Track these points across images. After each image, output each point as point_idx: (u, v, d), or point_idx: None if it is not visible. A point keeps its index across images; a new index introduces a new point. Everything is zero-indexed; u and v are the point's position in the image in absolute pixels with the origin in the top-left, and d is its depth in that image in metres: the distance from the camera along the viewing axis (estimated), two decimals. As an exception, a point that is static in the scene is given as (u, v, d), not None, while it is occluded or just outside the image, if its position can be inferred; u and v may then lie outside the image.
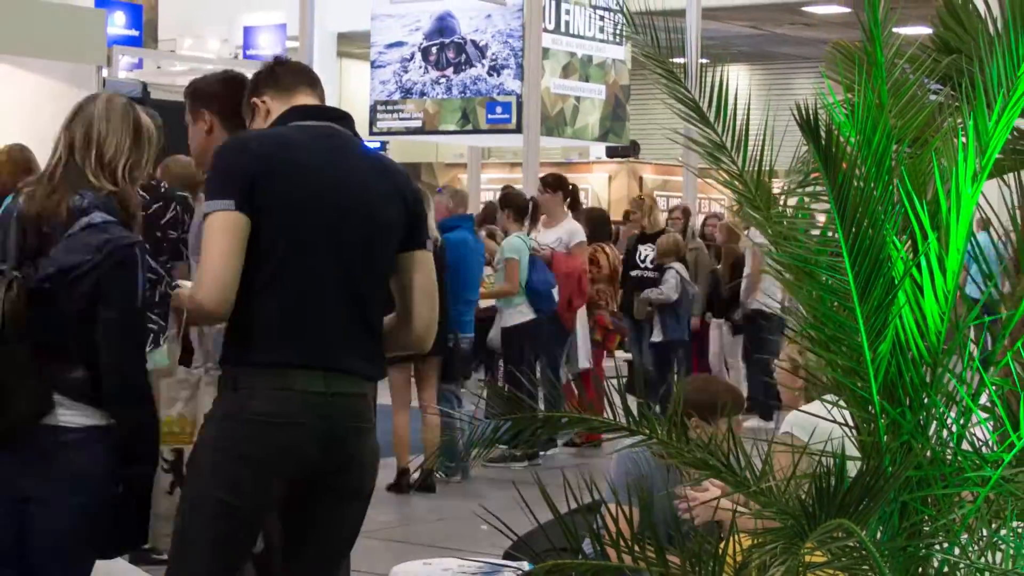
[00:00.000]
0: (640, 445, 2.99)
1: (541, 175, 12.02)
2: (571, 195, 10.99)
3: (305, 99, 3.93)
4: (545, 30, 16.31)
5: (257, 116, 3.96)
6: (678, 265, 11.51)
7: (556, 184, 10.81)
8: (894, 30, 2.97)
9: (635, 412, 2.96)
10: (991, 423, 2.78)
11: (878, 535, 2.69)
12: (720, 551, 2.70)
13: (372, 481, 3.90)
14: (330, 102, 4.11)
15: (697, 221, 16.13)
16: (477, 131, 18.44)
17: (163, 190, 7.32)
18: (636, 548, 2.79)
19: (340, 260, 3.77)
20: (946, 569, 2.72)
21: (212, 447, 3.73)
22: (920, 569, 2.73)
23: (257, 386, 3.67)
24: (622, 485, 4.76)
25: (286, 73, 4.00)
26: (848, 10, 20.09)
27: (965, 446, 2.74)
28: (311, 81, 4.01)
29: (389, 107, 18.76)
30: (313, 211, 3.75)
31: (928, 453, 2.72)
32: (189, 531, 3.74)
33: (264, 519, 3.80)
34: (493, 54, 17.83)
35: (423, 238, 3.96)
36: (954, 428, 2.74)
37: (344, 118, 3.95)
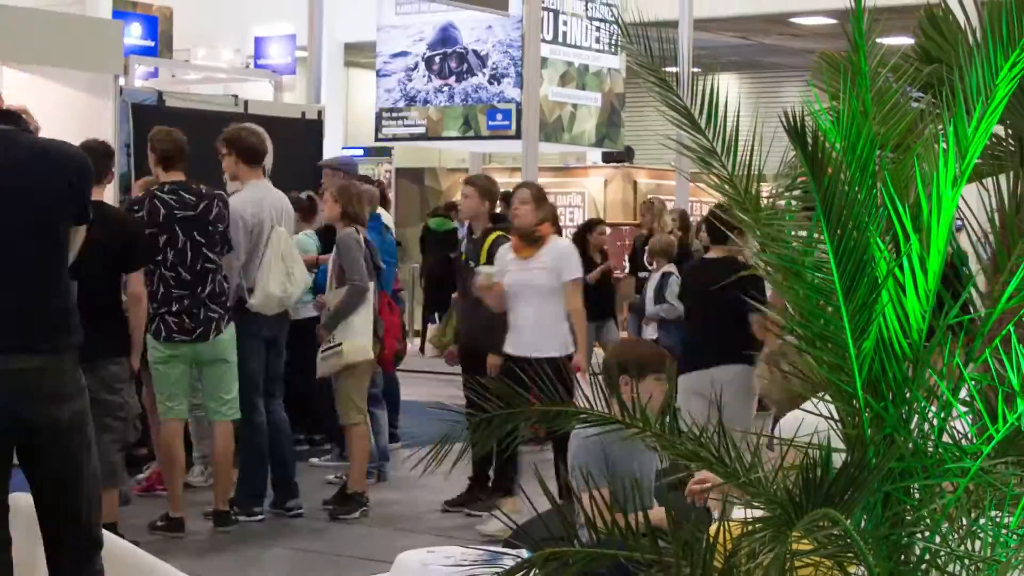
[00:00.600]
0: (633, 437, 2.99)
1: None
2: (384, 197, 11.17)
3: None
4: (543, 41, 16.28)
5: None
6: (672, 268, 11.55)
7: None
8: (878, 40, 2.97)
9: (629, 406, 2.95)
10: (970, 416, 2.78)
11: (862, 524, 2.69)
12: (711, 539, 2.70)
13: (62, 422, 4.17)
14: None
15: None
16: (478, 137, 18.42)
17: (203, 191, 7.51)
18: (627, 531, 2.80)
19: (5, 244, 4.08)
20: (927, 557, 2.72)
21: None
22: (903, 557, 2.73)
23: None
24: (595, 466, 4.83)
25: None
26: (834, 21, 20.06)
27: (945, 439, 2.74)
28: None
29: (394, 114, 18.75)
30: None
31: (910, 445, 2.72)
32: None
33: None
34: (494, 63, 17.82)
35: (87, 213, 4.28)
36: (935, 421, 2.74)
37: (8, 117, 4.22)
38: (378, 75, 18.93)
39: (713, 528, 2.76)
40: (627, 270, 14.58)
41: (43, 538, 4.26)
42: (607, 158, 21.97)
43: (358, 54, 23.42)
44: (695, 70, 15.96)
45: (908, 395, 2.72)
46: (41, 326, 4.16)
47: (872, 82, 2.82)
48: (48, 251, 4.15)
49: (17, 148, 4.15)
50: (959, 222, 2.88)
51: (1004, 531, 2.70)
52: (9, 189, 4.10)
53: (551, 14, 17.65)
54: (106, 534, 4.81)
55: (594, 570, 2.89)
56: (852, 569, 2.69)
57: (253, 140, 7.87)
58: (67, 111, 9.27)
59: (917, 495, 2.73)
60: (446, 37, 18.11)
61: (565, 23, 18.10)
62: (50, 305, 4.16)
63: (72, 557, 4.26)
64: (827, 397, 2.85)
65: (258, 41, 20.34)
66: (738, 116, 3.07)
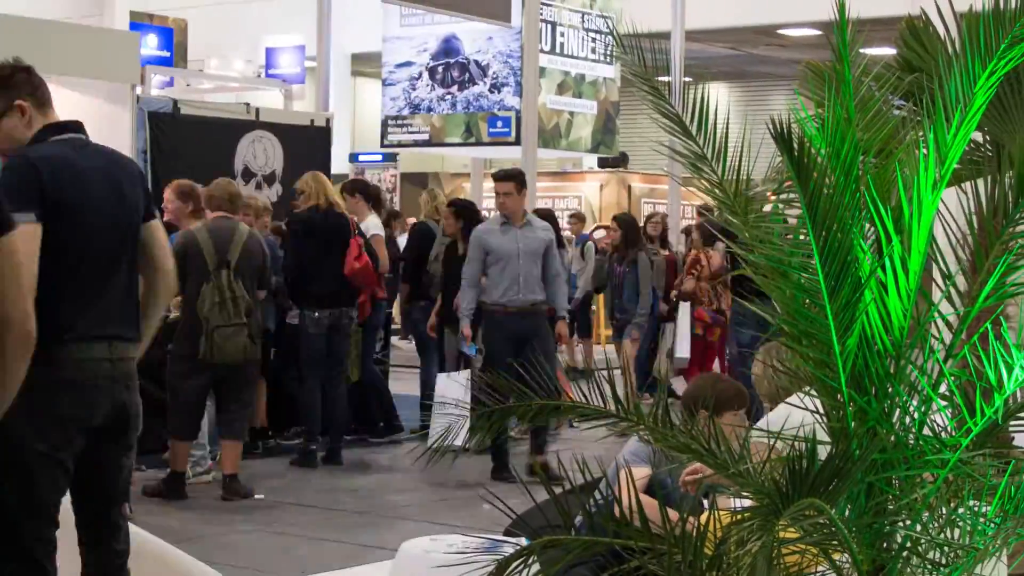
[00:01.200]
0: (629, 431, 2.99)
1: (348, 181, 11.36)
2: (373, 197, 10.71)
3: (54, 115, 4.24)
4: (542, 51, 16.27)
5: (13, 116, 4.18)
6: None
7: (354, 189, 10.54)
8: (861, 51, 2.97)
9: (624, 401, 2.95)
10: (950, 410, 2.78)
11: (846, 513, 2.69)
12: (701, 527, 2.70)
13: (137, 431, 4.23)
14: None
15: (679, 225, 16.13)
16: (479, 143, 18.40)
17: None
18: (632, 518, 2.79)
19: (117, 244, 4.17)
20: (909, 544, 2.72)
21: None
22: (885, 544, 2.73)
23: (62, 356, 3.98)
24: (640, 453, 4.77)
25: (42, 84, 4.25)
26: (819, 33, 20.05)
27: (926, 431, 2.74)
28: (49, 95, 4.29)
29: (399, 122, 18.75)
30: (90, 208, 4.10)
31: (892, 438, 2.72)
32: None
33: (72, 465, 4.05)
34: (494, 73, 17.81)
35: (154, 207, 4.44)
36: (916, 415, 2.74)
37: (81, 127, 4.33)
38: (384, 84, 18.92)
39: (704, 517, 2.76)
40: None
41: (84, 519, 4.21)
42: (602, 163, 21.98)
43: (365, 64, 23.42)
44: (687, 79, 15.94)
45: (890, 390, 2.72)
46: (133, 318, 4.26)
47: (856, 90, 2.82)
48: (135, 249, 4.27)
49: (101, 156, 4.28)
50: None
51: (982, 520, 2.70)
52: (112, 195, 4.18)
53: (549, 26, 17.64)
54: (141, 532, 4.81)
55: (590, 557, 2.89)
56: (836, 556, 2.69)
57: None
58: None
59: (899, 485, 2.73)
60: (449, 48, 18.11)
61: (562, 34, 18.10)
62: (136, 298, 4.30)
63: (113, 537, 4.26)
64: (813, 392, 2.84)
65: (269, 52, 20.34)
66: (728, 123, 3.07)
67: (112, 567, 4.19)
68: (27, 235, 3.79)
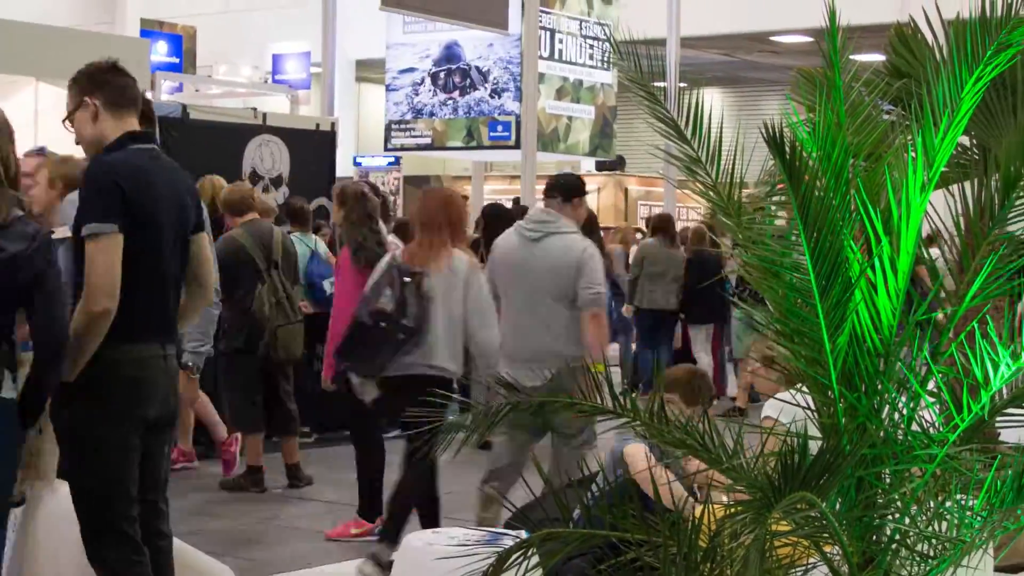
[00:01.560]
0: (625, 428, 2.99)
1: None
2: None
3: (133, 122, 4.27)
4: (541, 57, 16.29)
5: (82, 111, 4.26)
6: None
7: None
8: (851, 57, 2.97)
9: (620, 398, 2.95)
10: (937, 407, 2.78)
11: (837, 507, 2.70)
12: (696, 520, 2.70)
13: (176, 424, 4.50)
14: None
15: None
16: (480, 147, 18.43)
17: None
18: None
19: (176, 254, 4.27)
20: (897, 537, 2.72)
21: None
22: (874, 537, 2.73)
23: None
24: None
25: (123, 89, 4.31)
26: (811, 40, 20.05)
27: (914, 427, 2.74)
28: (135, 102, 4.34)
29: (402, 126, 18.76)
30: (160, 221, 4.18)
31: (881, 434, 2.72)
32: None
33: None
34: (495, 79, 17.84)
35: (203, 220, 4.50)
36: (904, 411, 2.75)
37: (154, 137, 4.40)
38: (387, 89, 18.94)
39: (698, 510, 2.76)
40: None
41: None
42: (600, 166, 21.99)
43: (369, 70, 23.42)
44: (681, 85, 15.94)
45: (880, 387, 2.72)
46: (175, 319, 4.37)
47: (846, 96, 2.82)
48: (186, 259, 4.37)
49: (169, 169, 4.33)
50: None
51: (969, 513, 2.70)
52: (175, 207, 4.26)
53: (548, 33, 17.66)
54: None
55: (588, 549, 2.89)
56: (827, 549, 2.69)
57: None
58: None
59: (888, 480, 2.73)
60: (450, 54, 18.13)
61: (561, 41, 18.11)
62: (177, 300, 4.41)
63: (159, 520, 4.38)
64: (804, 388, 2.85)
65: (275, 58, 20.35)
66: (721, 128, 3.08)
67: (160, 550, 4.31)
68: (111, 245, 3.99)
